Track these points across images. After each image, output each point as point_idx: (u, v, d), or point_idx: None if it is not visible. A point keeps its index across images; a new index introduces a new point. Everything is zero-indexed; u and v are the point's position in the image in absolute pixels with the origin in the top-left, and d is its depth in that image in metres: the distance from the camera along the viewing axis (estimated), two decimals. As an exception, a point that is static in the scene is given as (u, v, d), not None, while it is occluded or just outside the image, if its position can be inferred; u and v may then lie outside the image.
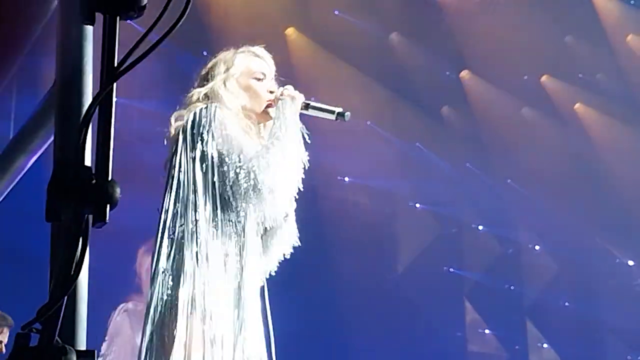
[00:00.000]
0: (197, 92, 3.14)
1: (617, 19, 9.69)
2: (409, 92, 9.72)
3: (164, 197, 2.97)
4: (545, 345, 10.62)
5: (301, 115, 3.19)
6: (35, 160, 1.88)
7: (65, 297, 1.25)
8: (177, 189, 2.94)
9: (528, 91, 10.03)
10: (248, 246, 2.96)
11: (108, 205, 1.25)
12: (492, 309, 10.37)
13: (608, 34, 9.72)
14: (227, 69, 3.17)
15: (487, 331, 10.51)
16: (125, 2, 1.29)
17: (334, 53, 9.28)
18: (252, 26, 7.94)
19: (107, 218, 1.26)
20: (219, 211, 2.93)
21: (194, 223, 2.88)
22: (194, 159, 2.94)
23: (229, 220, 2.95)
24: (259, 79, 3.21)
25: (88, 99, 1.45)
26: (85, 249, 1.25)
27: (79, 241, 1.24)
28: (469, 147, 10.13)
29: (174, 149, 3.02)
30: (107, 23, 1.29)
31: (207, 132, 2.95)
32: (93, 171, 1.27)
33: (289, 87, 3.20)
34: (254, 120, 3.16)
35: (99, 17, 1.31)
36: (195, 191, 2.92)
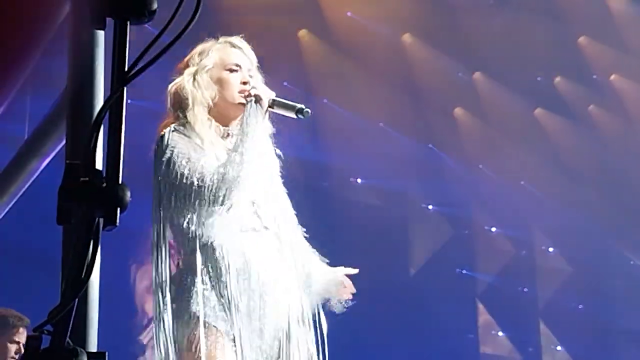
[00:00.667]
0: (169, 89, 3.12)
1: (633, 19, 9.65)
2: (421, 93, 9.71)
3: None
4: (558, 348, 10.58)
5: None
6: (48, 163, 1.89)
7: (77, 300, 1.26)
8: (152, 221, 2.96)
9: (541, 92, 9.99)
10: (226, 266, 2.94)
11: (118, 209, 1.26)
12: (505, 311, 10.34)
13: (622, 35, 9.68)
14: (201, 61, 3.13)
15: (500, 333, 10.47)
16: (135, 7, 1.29)
17: (346, 54, 9.28)
18: (265, 29, 7.95)
19: (118, 221, 1.26)
20: (182, 239, 2.94)
21: (160, 256, 2.90)
22: (157, 194, 2.95)
23: (197, 249, 2.93)
24: (232, 70, 3.15)
25: (99, 102, 1.46)
26: (96, 252, 1.25)
27: (89, 244, 1.25)
28: (482, 148, 10.10)
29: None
30: (118, 28, 1.30)
31: (164, 163, 2.95)
32: (104, 174, 1.27)
33: (257, 86, 3.13)
34: (222, 115, 3.12)
35: (110, 21, 1.31)
36: (160, 224, 2.93)
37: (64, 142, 1.59)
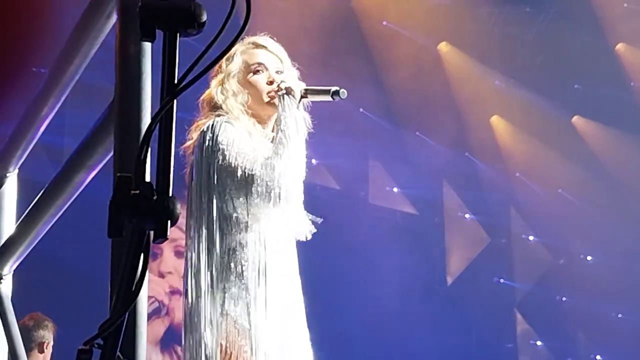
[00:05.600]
0: (203, 98, 3.06)
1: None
2: (458, 101, 9.68)
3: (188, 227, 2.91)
4: (598, 357, 10.48)
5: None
6: (94, 177, 1.90)
7: (127, 313, 1.25)
8: (192, 217, 2.86)
9: (579, 100, 9.93)
10: (269, 263, 2.86)
11: (169, 221, 1.25)
12: (543, 320, 10.26)
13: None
14: (227, 67, 3.08)
15: (538, 343, 10.40)
16: (184, 18, 1.29)
17: (382, 63, 9.27)
18: (300, 36, 7.96)
19: (168, 234, 1.26)
20: (227, 236, 2.84)
21: (199, 255, 2.80)
22: (202, 184, 2.85)
23: (238, 244, 2.85)
24: (256, 72, 3.09)
25: (147, 114, 1.46)
26: (147, 265, 1.25)
27: (140, 257, 1.24)
28: (518, 156, 10.05)
29: (189, 174, 2.93)
30: (167, 39, 1.29)
31: (213, 153, 2.86)
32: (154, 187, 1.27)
33: (286, 80, 3.06)
34: (259, 117, 3.06)
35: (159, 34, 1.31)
36: (203, 218, 2.83)
37: (110, 154, 1.59)
